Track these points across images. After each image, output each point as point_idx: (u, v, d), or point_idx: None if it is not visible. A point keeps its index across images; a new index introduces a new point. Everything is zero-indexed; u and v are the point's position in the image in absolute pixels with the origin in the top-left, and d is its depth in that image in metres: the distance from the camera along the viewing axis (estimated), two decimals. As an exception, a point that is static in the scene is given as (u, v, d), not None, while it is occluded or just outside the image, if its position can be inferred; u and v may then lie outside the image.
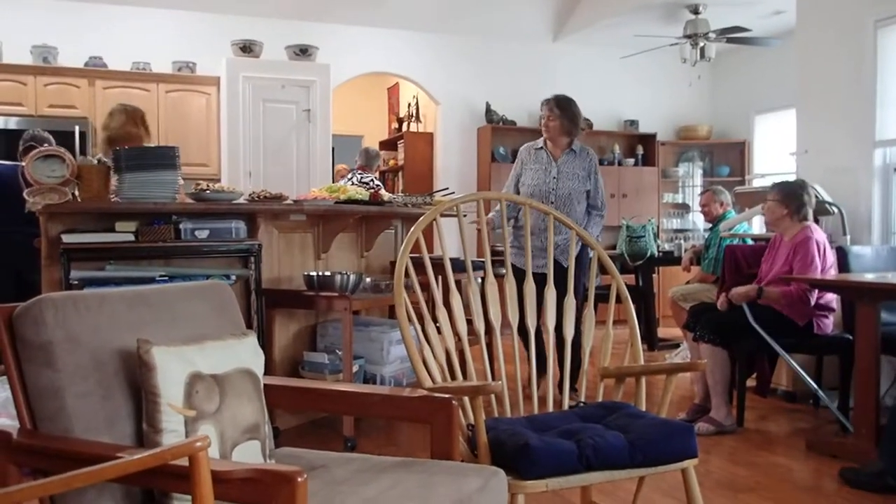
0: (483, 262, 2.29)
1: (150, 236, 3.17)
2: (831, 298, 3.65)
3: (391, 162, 8.18)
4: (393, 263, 3.78)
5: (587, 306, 2.27)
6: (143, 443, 1.47)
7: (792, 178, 4.22)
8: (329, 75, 6.48)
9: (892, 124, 4.50)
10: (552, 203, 4.01)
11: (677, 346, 5.61)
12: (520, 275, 2.26)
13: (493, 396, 2.06)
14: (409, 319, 2.01)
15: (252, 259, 3.38)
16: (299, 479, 1.20)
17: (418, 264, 2.13)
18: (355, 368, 3.50)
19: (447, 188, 5.11)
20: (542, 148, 4.17)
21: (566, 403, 2.20)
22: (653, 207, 7.90)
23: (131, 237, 3.15)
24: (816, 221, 3.92)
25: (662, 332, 6.19)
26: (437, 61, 7.39)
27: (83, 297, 1.59)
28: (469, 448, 1.86)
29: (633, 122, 8.14)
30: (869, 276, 3.48)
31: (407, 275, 2.03)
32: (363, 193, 3.85)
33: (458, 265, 2.38)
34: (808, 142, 4.88)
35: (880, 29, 4.52)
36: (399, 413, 2.08)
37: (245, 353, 1.66)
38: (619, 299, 2.23)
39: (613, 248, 6.51)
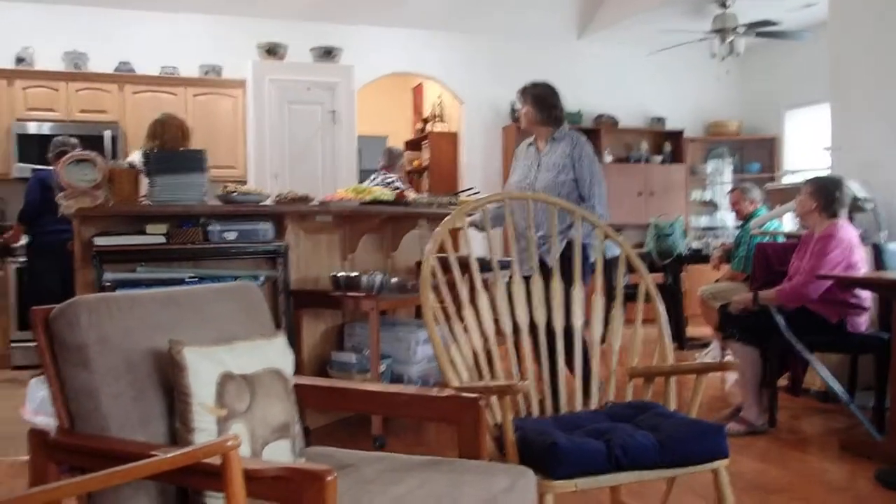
0: (510, 261, 2.29)
1: (179, 238, 3.21)
2: (866, 296, 3.58)
3: (416, 162, 8.19)
4: (419, 264, 3.79)
5: (614, 305, 2.25)
6: (176, 442, 1.49)
7: (824, 174, 4.14)
8: (353, 76, 6.51)
9: (928, 118, 4.40)
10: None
11: (707, 345, 5.54)
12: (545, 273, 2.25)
13: (520, 396, 2.05)
14: (436, 319, 2.01)
15: (279, 260, 3.41)
16: (329, 478, 1.21)
17: (444, 264, 2.13)
18: (382, 368, 3.51)
19: (472, 188, 5.11)
20: (532, 143, 3.88)
21: (593, 403, 2.18)
22: (680, 205, 7.81)
23: (162, 239, 3.21)
24: (851, 220, 3.83)
25: (691, 331, 6.12)
26: (461, 60, 7.38)
27: (115, 299, 1.62)
28: (497, 447, 1.86)
29: (660, 119, 8.05)
30: (905, 273, 3.41)
31: (434, 275, 2.03)
32: (388, 194, 3.86)
33: (486, 265, 2.38)
34: (843, 137, 4.78)
35: (916, 19, 4.42)
36: (426, 412, 2.09)
37: (274, 354, 1.68)
38: (647, 298, 2.21)
39: (641, 245, 6.46)
